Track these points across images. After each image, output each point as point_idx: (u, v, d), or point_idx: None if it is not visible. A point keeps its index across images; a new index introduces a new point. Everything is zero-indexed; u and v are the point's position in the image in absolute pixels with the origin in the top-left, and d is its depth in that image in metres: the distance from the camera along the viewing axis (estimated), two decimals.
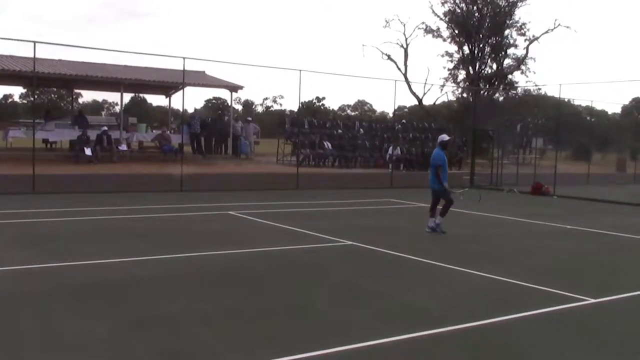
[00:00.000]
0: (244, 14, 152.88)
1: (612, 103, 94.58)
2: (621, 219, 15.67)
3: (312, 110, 62.71)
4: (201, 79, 27.10)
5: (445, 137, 12.47)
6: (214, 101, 71.76)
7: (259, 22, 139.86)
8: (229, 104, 31.54)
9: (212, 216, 13.57)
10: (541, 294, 7.45)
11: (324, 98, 77.43)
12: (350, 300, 7.00)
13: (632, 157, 40.16)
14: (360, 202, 17.58)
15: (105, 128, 23.30)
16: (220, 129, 27.11)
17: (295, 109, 39.36)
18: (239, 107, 68.68)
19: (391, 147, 27.39)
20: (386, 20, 41.56)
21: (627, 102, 57.85)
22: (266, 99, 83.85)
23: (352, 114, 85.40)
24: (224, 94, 53.56)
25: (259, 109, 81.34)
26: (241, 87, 27.50)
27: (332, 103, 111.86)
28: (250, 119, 31.08)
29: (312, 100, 73.33)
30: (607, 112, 59.40)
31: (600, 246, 11.65)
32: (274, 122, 41.52)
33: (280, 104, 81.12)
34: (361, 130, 30.18)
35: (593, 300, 7.13)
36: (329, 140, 27.14)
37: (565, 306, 6.89)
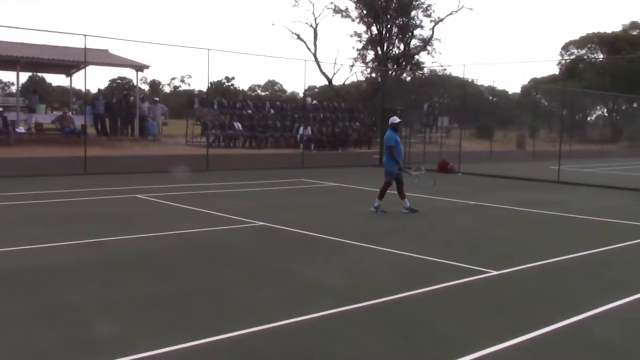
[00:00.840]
0: None
1: (512, 83, 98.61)
2: (521, 194, 16.44)
3: (221, 91, 61.67)
4: (104, 58, 26.07)
5: (395, 119, 12.51)
6: (118, 81, 69.26)
7: (165, 0, 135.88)
8: (135, 84, 30.55)
9: (118, 200, 13.14)
10: (448, 268, 7.71)
11: (233, 78, 76.34)
12: (263, 280, 6.99)
13: (530, 135, 42.20)
14: (272, 182, 17.55)
15: (1, 109, 22.02)
16: (125, 109, 26.21)
17: (204, 89, 38.68)
18: (146, 87, 66.58)
19: (302, 128, 27.43)
20: (295, 0, 41.45)
21: (526, 82, 60.64)
22: (174, 78, 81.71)
23: (263, 94, 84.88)
24: (129, 73, 51.78)
25: (167, 89, 79.24)
26: (147, 67, 26.73)
27: (242, 83, 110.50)
28: (157, 99, 30.23)
29: (222, 80, 72.08)
30: (507, 92, 61.96)
31: (502, 220, 12.18)
32: (183, 103, 40.66)
33: (189, 84, 79.30)
34: (272, 110, 30.04)
35: (495, 272, 7.45)
36: (239, 121, 26.86)
37: (470, 279, 7.16)
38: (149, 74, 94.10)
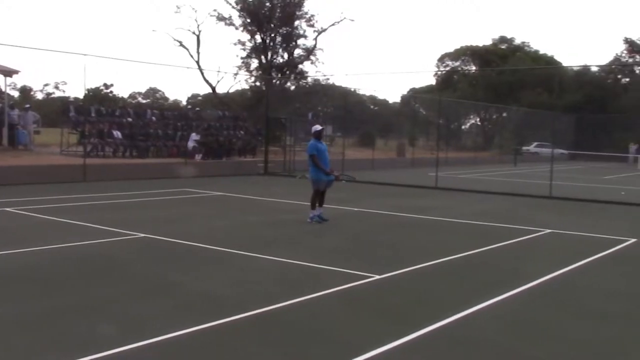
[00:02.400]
0: None
1: (392, 93, 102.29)
2: (402, 200, 17.00)
3: (99, 98, 59.29)
4: None
5: (317, 127, 12.48)
6: None
7: (38, 1, 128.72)
8: (3, 90, 28.70)
9: None
10: (333, 274, 7.81)
11: (112, 85, 73.67)
12: (147, 293, 6.75)
13: (410, 143, 43.86)
14: (155, 192, 17.05)
15: None
16: None
17: (81, 96, 37.02)
18: (15, 94, 62.77)
19: (193, 134, 26.84)
20: (177, 6, 40.63)
21: (405, 92, 63.02)
22: (47, 84, 77.53)
23: (144, 101, 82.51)
24: None
25: (39, 95, 75.06)
26: (17, 72, 25.15)
27: (122, 90, 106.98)
28: (28, 106, 28.50)
29: (100, 87, 69.32)
30: (388, 101, 64.16)
31: (384, 226, 12.53)
32: (57, 110, 38.62)
33: (64, 91, 75.48)
34: (153, 118, 29.24)
35: (379, 277, 7.63)
36: (119, 129, 25.90)
37: (355, 283, 7.28)
38: (19, 80, 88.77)
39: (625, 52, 59.56)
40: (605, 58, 78.93)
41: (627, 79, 58.99)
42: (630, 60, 58.91)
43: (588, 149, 40.29)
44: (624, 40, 59.12)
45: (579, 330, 6.01)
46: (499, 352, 5.32)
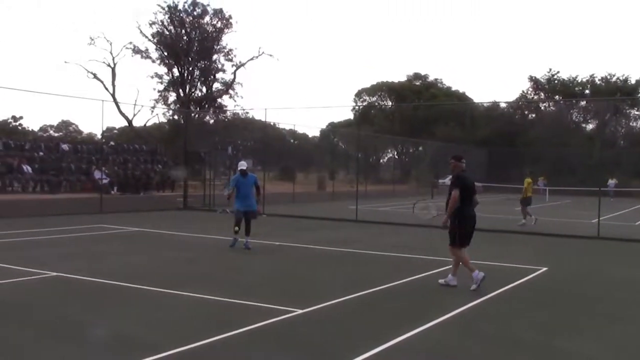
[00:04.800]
0: None
1: (312, 127, 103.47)
2: (323, 234, 17.05)
3: (7, 131, 56.83)
4: None
5: (243, 164, 13.79)
6: None
7: None
8: None
9: None
10: (253, 309, 7.67)
11: (21, 117, 70.92)
12: (58, 335, 6.40)
13: (330, 176, 44.30)
14: (67, 229, 16.36)
15: None
16: None
17: None
18: None
19: (98, 171, 26.05)
20: (91, 38, 39.92)
21: (324, 127, 63.85)
22: None
23: (56, 134, 79.70)
24: None
25: None
26: None
27: (32, 123, 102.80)
28: None
29: (8, 119, 66.51)
30: (307, 135, 64.77)
31: (306, 259, 12.50)
32: None
33: None
34: (65, 150, 28.22)
35: (301, 311, 7.56)
36: (29, 164, 24.84)
37: (277, 319, 7.17)
38: None
39: (530, 89, 62.94)
40: (512, 95, 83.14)
41: (534, 115, 62.17)
42: (535, 97, 62.24)
43: (500, 181, 41.88)
44: (529, 78, 62.53)
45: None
46: None
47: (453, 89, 69.52)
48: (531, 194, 21.62)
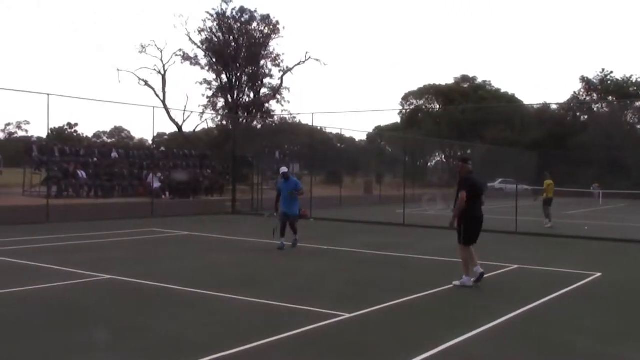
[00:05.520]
0: None
1: (358, 131, 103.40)
2: (371, 238, 17.02)
3: (63, 137, 58.61)
4: None
5: (284, 168, 14.52)
6: None
7: None
8: None
9: None
10: (302, 313, 7.74)
11: (76, 124, 73.03)
12: (113, 337, 6.59)
13: (377, 180, 44.15)
14: (120, 233, 16.78)
15: None
16: None
17: (44, 135, 36.51)
18: None
19: (151, 175, 26.63)
20: (142, 46, 40.77)
21: (371, 130, 63.73)
22: (9, 124, 76.40)
23: (109, 141, 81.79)
24: None
25: (0, 135, 73.83)
26: None
27: (87, 130, 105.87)
28: None
29: (64, 126, 68.56)
30: (354, 139, 64.73)
31: (354, 264, 12.49)
32: (19, 150, 37.99)
33: (26, 130, 74.41)
34: (117, 155, 28.93)
35: (348, 315, 7.59)
36: (84, 169, 25.57)
37: (324, 323, 7.22)
38: None
39: (582, 90, 61.45)
40: (563, 96, 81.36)
41: (586, 116, 60.68)
42: (587, 98, 60.73)
43: None
44: (580, 79, 61.08)
45: None
46: None
47: (502, 90, 68.48)
48: (552, 196, 21.48)
